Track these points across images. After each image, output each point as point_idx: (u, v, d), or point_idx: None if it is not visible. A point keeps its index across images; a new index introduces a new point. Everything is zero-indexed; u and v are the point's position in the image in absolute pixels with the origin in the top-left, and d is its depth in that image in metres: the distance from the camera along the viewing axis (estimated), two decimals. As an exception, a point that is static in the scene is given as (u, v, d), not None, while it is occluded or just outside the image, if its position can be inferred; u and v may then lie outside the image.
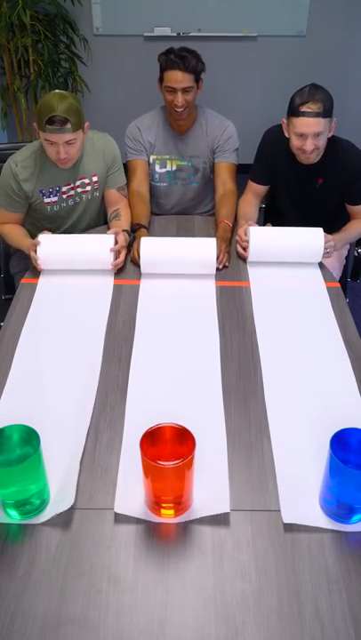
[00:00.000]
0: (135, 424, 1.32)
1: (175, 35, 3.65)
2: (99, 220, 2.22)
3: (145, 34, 3.66)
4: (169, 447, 1.13)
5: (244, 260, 1.97)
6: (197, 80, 2.14)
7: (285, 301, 1.77)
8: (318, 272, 1.91)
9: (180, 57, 2.07)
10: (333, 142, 1.98)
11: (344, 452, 1.10)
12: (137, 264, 1.91)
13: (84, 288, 1.83)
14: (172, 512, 1.15)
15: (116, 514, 1.15)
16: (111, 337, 1.63)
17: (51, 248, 1.86)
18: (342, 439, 1.11)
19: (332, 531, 1.13)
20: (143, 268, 1.88)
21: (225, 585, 1.03)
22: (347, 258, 2.32)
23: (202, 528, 1.13)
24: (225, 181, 2.27)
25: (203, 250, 1.85)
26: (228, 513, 1.16)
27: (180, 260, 1.86)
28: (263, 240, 1.91)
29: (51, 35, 3.37)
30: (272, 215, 2.36)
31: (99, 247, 1.87)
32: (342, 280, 2.24)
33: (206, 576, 1.05)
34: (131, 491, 1.19)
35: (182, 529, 1.13)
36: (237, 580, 1.04)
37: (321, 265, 1.94)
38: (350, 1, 3.60)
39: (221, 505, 1.17)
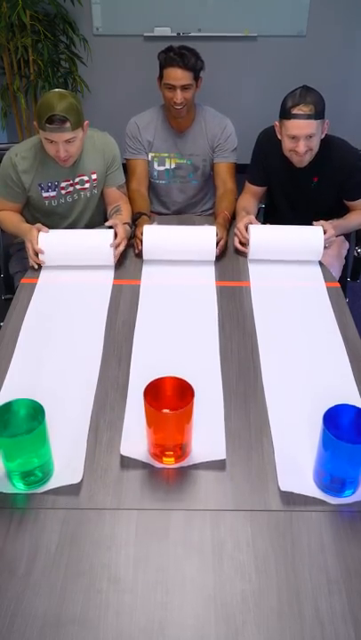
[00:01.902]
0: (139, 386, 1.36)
1: (175, 35, 3.65)
2: (98, 219, 2.23)
3: (145, 34, 3.66)
4: (170, 400, 1.23)
5: (244, 256, 1.98)
6: (197, 78, 2.16)
7: (285, 301, 1.77)
8: (318, 272, 1.91)
9: (180, 55, 2.09)
10: (327, 141, 1.99)
11: (336, 430, 1.13)
12: (139, 251, 1.95)
13: (84, 288, 1.83)
14: (172, 460, 1.25)
15: (123, 458, 1.17)
16: (111, 337, 1.63)
17: (51, 243, 1.87)
18: (334, 417, 1.15)
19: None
20: (145, 255, 1.92)
21: (225, 585, 1.03)
22: (347, 258, 2.32)
23: (203, 524, 1.13)
24: (225, 181, 2.30)
25: (203, 237, 1.92)
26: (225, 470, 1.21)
27: (180, 248, 1.92)
28: (264, 238, 1.92)
29: (51, 35, 3.37)
30: (270, 215, 2.37)
31: (99, 241, 1.89)
32: (342, 280, 2.24)
33: (206, 576, 1.05)
34: (135, 441, 1.29)
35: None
36: (237, 580, 1.04)
37: (321, 265, 1.94)
38: (350, 1, 3.60)
39: (218, 453, 1.27)
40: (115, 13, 3.60)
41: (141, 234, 1.92)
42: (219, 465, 1.26)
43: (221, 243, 1.96)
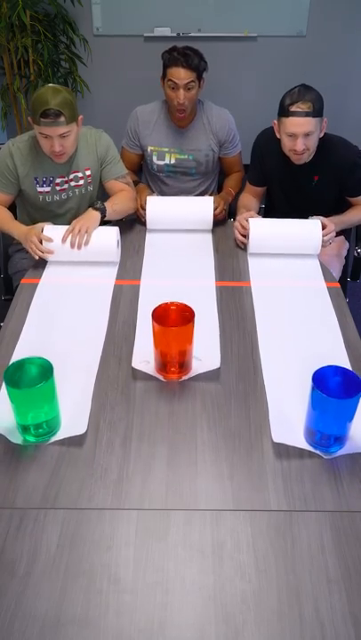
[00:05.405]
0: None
1: (175, 35, 3.65)
2: None
3: (145, 34, 3.66)
4: (174, 323, 1.41)
5: (243, 249, 2.01)
6: (199, 78, 2.19)
7: (286, 301, 1.77)
8: (319, 272, 1.91)
9: (184, 54, 2.14)
10: (326, 140, 2.00)
11: (324, 390, 1.20)
12: (144, 220, 2.11)
13: (84, 288, 1.83)
14: (176, 375, 1.45)
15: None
16: (111, 337, 1.63)
17: (55, 238, 1.88)
18: (322, 379, 1.22)
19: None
20: (149, 225, 2.09)
21: (225, 585, 1.03)
22: (347, 258, 2.32)
23: (203, 524, 1.13)
24: (233, 169, 2.46)
25: (201, 206, 2.09)
26: (219, 368, 1.51)
27: (181, 216, 2.09)
28: (263, 231, 1.94)
29: (51, 35, 3.37)
30: (270, 216, 2.37)
31: (103, 237, 1.90)
32: (342, 280, 2.25)
33: (206, 576, 1.05)
34: (144, 360, 1.49)
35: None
36: (237, 580, 1.04)
37: (321, 264, 1.94)
38: (350, 1, 3.60)
39: (213, 363, 1.50)
40: (115, 13, 3.60)
41: (145, 202, 2.09)
42: (219, 464, 1.26)
43: (218, 210, 2.13)
